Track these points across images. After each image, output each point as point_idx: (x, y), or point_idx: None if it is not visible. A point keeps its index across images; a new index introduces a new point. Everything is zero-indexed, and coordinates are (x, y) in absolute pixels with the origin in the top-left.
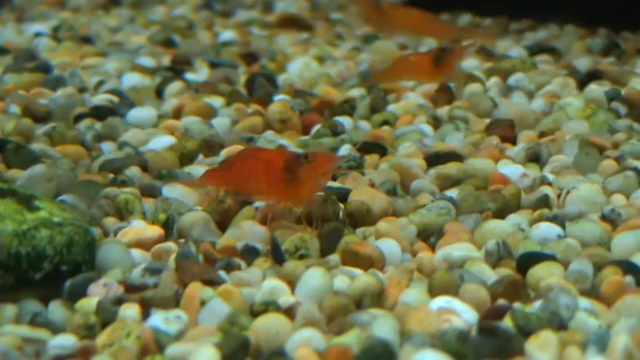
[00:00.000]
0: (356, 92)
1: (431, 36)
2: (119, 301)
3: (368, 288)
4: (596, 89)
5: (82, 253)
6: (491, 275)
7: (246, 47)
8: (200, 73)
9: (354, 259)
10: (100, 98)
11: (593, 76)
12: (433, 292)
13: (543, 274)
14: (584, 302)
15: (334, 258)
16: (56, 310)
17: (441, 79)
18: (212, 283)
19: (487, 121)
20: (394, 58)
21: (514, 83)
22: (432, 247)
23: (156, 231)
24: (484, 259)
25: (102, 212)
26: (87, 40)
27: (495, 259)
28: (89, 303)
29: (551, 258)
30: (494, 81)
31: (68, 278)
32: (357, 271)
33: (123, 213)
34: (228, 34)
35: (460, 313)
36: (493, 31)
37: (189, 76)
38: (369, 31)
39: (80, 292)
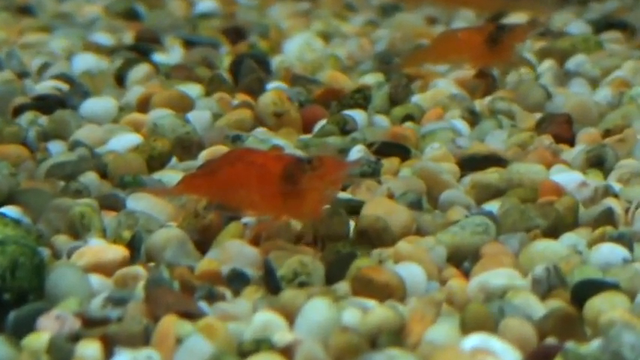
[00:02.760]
0: (371, 79)
1: (468, 8)
2: (76, 338)
3: (385, 323)
4: None
5: (29, 278)
6: (538, 308)
7: (230, 20)
8: (172, 54)
9: (368, 287)
10: (46, 85)
11: None
12: (466, 328)
13: (604, 306)
14: None
15: (343, 286)
16: None
17: (494, 64)
18: (190, 316)
19: (538, 116)
20: (436, 36)
21: (573, 68)
22: (466, 274)
23: (119, 252)
24: (530, 288)
25: (51, 228)
26: (26, 10)
27: (544, 288)
28: (39, 339)
29: (614, 287)
30: (547, 65)
31: (12, 309)
32: (372, 302)
33: (77, 229)
34: (207, 4)
35: (499, 355)
36: (548, 2)
37: (158, 57)
38: None
39: (28, 326)
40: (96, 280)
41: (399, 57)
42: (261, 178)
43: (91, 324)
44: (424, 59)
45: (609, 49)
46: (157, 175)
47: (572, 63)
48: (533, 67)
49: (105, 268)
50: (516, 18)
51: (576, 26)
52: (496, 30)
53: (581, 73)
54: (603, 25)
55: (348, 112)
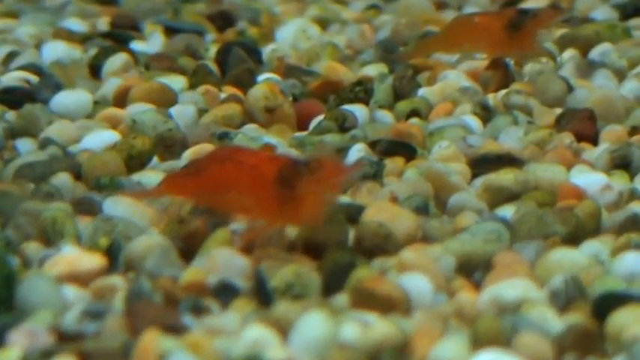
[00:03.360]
0: (373, 70)
1: None
2: (49, 354)
3: (387, 339)
4: None
5: None
6: (556, 323)
7: (216, 5)
8: (152, 42)
9: (369, 300)
10: (13, 77)
11: None
12: (476, 345)
13: (628, 321)
14: None
15: (341, 299)
16: None
17: (514, 54)
18: (174, 330)
19: (557, 111)
20: (450, 21)
21: (598, 58)
22: (476, 285)
23: (96, 261)
24: (547, 301)
25: (21, 235)
26: None
27: (563, 301)
28: (9, 356)
29: (639, 300)
30: (569, 55)
31: None
32: (373, 316)
33: (50, 236)
34: None
35: None
36: None
37: (137, 45)
38: None
39: None
40: (71, 291)
41: (405, 46)
42: (253, 180)
43: (65, 339)
44: (436, 48)
45: (638, 37)
46: (137, 177)
47: (596, 53)
48: (553, 57)
49: (80, 279)
50: (535, 2)
51: (601, 12)
52: (517, 15)
53: (606, 63)
54: (631, 10)
55: (347, 107)
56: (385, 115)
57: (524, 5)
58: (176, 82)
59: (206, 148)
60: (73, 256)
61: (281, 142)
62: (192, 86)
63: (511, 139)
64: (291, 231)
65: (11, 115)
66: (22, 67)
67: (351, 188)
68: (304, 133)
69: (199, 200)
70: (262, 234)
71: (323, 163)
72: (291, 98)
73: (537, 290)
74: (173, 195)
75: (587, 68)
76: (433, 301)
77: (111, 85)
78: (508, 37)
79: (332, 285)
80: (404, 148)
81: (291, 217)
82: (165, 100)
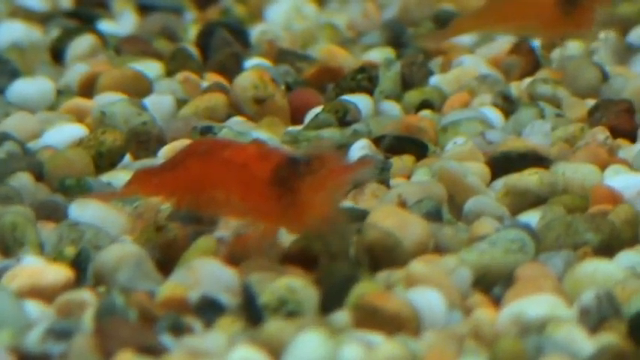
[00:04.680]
0: (378, 55)
1: None
2: None
3: None
4: None
5: None
6: (586, 345)
7: None
8: (123, 22)
9: (373, 318)
10: None
11: None
12: None
13: None
14: None
15: (341, 317)
16: None
17: (571, 33)
18: (151, 352)
19: (590, 103)
20: None
21: (638, 41)
22: (497, 302)
23: (61, 273)
24: (577, 319)
25: None
26: None
27: (595, 320)
28: None
29: None
30: (604, 37)
31: None
32: (378, 336)
33: (8, 244)
34: None
35: None
36: None
37: (106, 26)
38: None
39: None
40: (33, 307)
41: (415, 26)
42: (243, 179)
43: None
44: (473, 27)
45: None
46: (106, 177)
47: (635, 35)
48: (583, 39)
49: (44, 293)
50: None
51: None
52: None
53: None
54: None
55: (348, 97)
56: (392, 107)
57: None
58: (151, 68)
59: (186, 144)
60: (35, 268)
61: (272, 137)
62: (170, 73)
63: (537, 134)
64: (285, 239)
65: None
66: None
67: (353, 191)
68: (299, 128)
69: (180, 200)
70: (255, 242)
71: (325, 160)
72: (283, 87)
73: (565, 308)
74: (146, 194)
75: (625, 53)
76: (446, 319)
77: (76, 71)
78: (562, 15)
79: (330, 301)
80: (413, 145)
81: (293, 222)
82: (139, 89)
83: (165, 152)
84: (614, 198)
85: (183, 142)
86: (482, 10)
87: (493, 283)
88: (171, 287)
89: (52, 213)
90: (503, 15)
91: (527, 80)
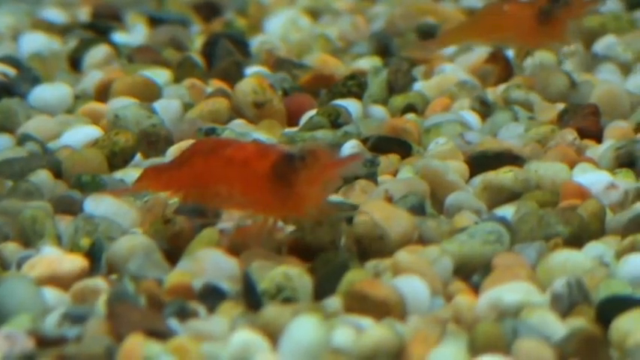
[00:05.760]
0: (367, 63)
1: None
2: (28, 359)
3: (381, 345)
4: None
5: None
6: (558, 328)
7: None
8: (135, 34)
9: (362, 304)
10: None
11: None
12: (475, 350)
13: (633, 326)
14: None
15: (333, 302)
16: None
17: (545, 43)
18: (159, 335)
19: (560, 106)
20: (479, 9)
21: (602, 51)
22: (475, 289)
23: (77, 262)
24: (549, 305)
25: None
26: None
27: (566, 305)
28: None
29: None
30: (572, 47)
31: None
32: (367, 321)
33: (29, 236)
34: None
35: None
36: None
37: (119, 37)
38: None
39: None
40: (50, 294)
41: (400, 37)
42: (244, 175)
43: (45, 344)
44: (461, 38)
45: None
46: (119, 174)
47: (600, 45)
48: (555, 49)
49: (61, 281)
50: None
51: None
52: (549, 4)
53: (611, 57)
54: (637, 0)
55: (340, 101)
56: (379, 111)
57: None
58: (160, 75)
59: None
60: (53, 258)
61: (270, 138)
62: (177, 80)
63: (511, 135)
64: (281, 231)
65: None
66: None
67: (344, 187)
68: (295, 129)
69: (186, 196)
70: (257, 231)
71: (318, 155)
72: (280, 93)
73: (539, 294)
74: (155, 190)
75: (591, 61)
76: (430, 305)
77: (92, 78)
78: (539, 27)
79: (324, 288)
80: (399, 145)
81: (291, 213)
82: (149, 94)
83: (172, 151)
84: (582, 193)
85: (189, 143)
86: (466, 24)
87: (472, 272)
88: (177, 275)
89: (69, 207)
90: (485, 28)
91: (502, 86)
